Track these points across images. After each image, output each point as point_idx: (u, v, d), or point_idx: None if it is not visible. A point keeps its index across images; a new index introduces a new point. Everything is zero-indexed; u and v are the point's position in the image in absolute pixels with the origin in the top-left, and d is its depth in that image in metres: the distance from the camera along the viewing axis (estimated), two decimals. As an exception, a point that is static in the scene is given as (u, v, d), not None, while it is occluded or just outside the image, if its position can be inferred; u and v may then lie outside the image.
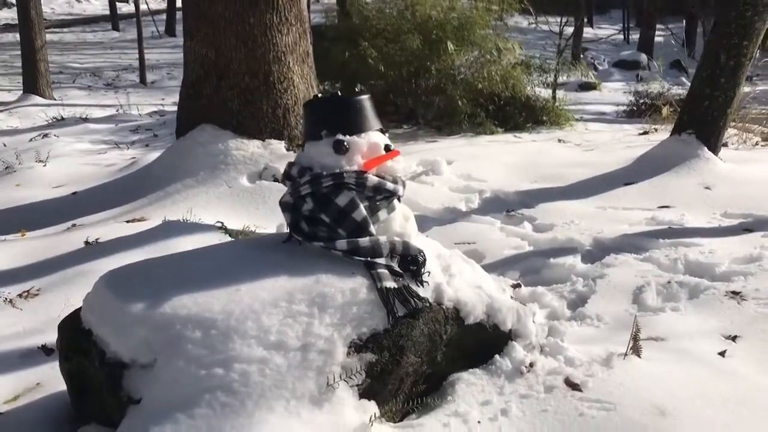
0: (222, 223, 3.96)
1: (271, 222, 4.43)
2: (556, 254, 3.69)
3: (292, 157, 4.90)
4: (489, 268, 3.51)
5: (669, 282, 3.20)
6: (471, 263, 2.45)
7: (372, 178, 2.03)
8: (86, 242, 3.83)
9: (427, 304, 2.08)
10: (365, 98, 2.12)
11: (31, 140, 7.35)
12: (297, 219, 2.04)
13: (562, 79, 8.72)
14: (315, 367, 1.86)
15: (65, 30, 22.97)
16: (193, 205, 4.60)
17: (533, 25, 14.82)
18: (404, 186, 2.17)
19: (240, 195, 4.70)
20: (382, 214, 2.08)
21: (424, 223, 4.43)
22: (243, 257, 2.03)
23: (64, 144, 7.05)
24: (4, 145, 7.35)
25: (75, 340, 1.94)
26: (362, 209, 2.01)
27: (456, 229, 4.25)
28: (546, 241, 3.92)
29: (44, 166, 6.29)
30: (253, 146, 4.93)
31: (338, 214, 1.99)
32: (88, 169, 6.21)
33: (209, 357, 1.77)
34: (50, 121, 9.44)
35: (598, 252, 3.75)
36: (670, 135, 5.52)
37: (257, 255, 2.04)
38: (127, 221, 4.52)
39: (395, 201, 2.12)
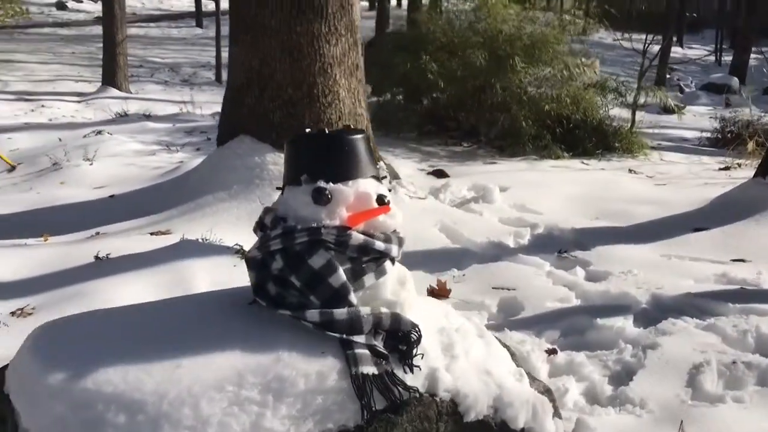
0: (241, 246, 3.67)
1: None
2: (606, 312, 3.23)
3: (331, 175, 4.60)
4: (526, 323, 3.11)
5: (734, 362, 2.70)
6: (486, 337, 2.05)
7: (356, 236, 1.66)
8: (96, 257, 3.61)
9: (416, 395, 1.70)
10: (358, 138, 1.75)
11: (84, 137, 7.30)
12: (264, 279, 1.70)
13: (642, 100, 8.12)
14: (261, 470, 1.51)
15: (152, 25, 23.49)
16: (220, 221, 4.34)
17: (618, 41, 14.13)
18: (401, 245, 1.80)
19: (271, 213, 4.41)
20: (369, 279, 1.71)
21: (464, 259, 4.05)
22: (196, 320, 1.70)
23: (116, 143, 6.96)
24: (60, 139, 7.34)
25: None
26: (341, 273, 1.65)
27: (498, 269, 3.83)
28: (597, 294, 3.46)
29: (90, 165, 6.20)
30: (291, 161, 4.63)
31: (311, 278, 1.63)
32: (132, 170, 6.08)
33: (132, 449, 1.45)
34: (114, 117, 9.47)
35: (655, 312, 3.26)
36: (754, 176, 4.93)
37: (213, 319, 1.71)
38: (152, 233, 4.30)
39: (387, 263, 1.75)
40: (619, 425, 2.30)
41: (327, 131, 1.75)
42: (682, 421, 2.23)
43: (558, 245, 4.28)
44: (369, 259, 1.71)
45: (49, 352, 1.59)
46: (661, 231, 4.50)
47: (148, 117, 9.42)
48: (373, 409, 1.62)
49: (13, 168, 6.49)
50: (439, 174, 6.13)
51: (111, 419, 1.46)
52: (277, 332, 1.65)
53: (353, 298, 1.67)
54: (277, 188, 1.79)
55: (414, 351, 1.72)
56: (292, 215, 1.70)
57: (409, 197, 4.80)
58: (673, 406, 2.44)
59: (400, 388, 1.66)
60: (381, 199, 1.73)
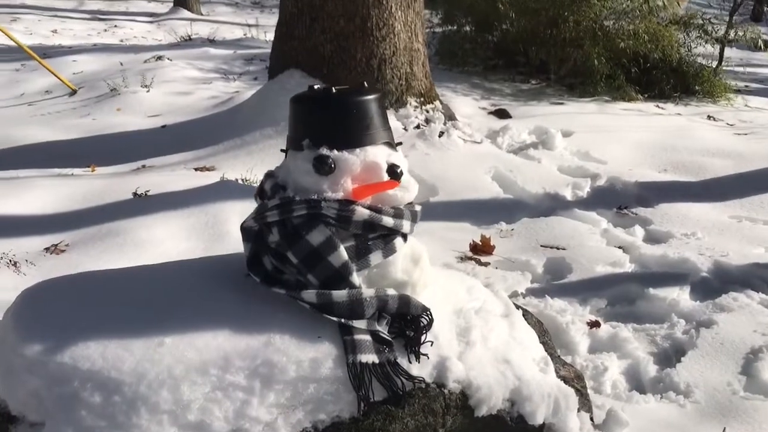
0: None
1: (343, 188, 3.97)
2: (661, 281, 2.98)
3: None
4: (571, 288, 2.91)
5: (800, 350, 2.45)
6: (512, 317, 1.86)
7: (361, 212, 1.49)
8: (135, 194, 3.55)
9: (422, 386, 1.55)
10: (370, 99, 1.55)
11: (145, 62, 7.25)
12: (259, 252, 1.55)
13: (732, 36, 7.44)
14: (244, 462, 1.40)
15: (225, -57, 23.13)
16: (264, 159, 4.22)
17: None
18: (414, 220, 1.62)
19: (317, 153, 4.26)
20: (375, 257, 1.54)
21: (515, 211, 3.83)
22: (188, 291, 1.58)
23: (175, 69, 6.88)
24: (121, 64, 7.32)
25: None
26: (341, 252, 1.48)
27: (549, 225, 3.60)
28: (653, 259, 3.21)
29: (147, 92, 6.16)
30: (341, 98, 4.44)
31: (309, 255, 1.48)
32: (187, 99, 6.01)
33: (107, 431, 1.36)
34: (179, 41, 9.41)
35: (716, 283, 3.00)
36: None
37: (206, 291, 1.58)
38: (196, 168, 4.23)
39: (397, 240, 1.57)
40: (656, 417, 2.11)
41: (334, 90, 1.55)
42: (725, 429, 2.02)
43: (619, 200, 4.00)
44: (376, 235, 1.54)
45: (31, 320, 1.50)
46: (734, 188, 4.15)
47: (212, 42, 9.32)
48: (371, 400, 1.48)
49: (74, 92, 6.52)
50: (501, 114, 5.82)
51: (86, 398, 1.37)
52: (272, 311, 1.51)
53: (355, 279, 1.50)
54: (281, 150, 1.62)
55: (422, 337, 1.55)
56: (292, 184, 1.54)
57: (464, 141, 4.56)
58: (721, 396, 2.22)
59: (402, 379, 1.51)
60: (393, 170, 1.54)
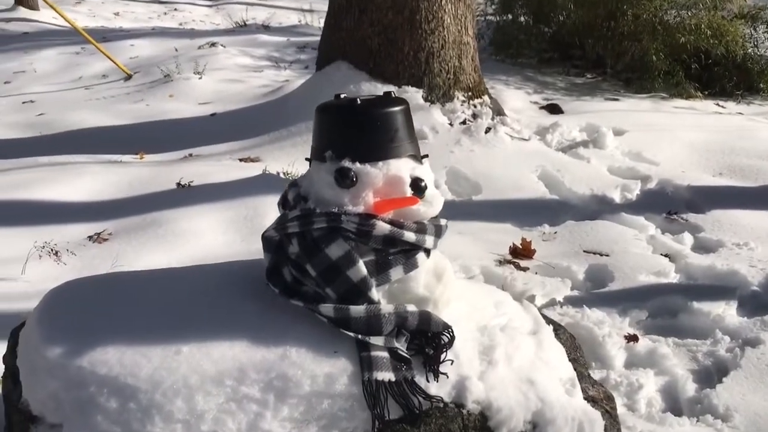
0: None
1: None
2: (707, 293, 2.87)
3: (428, 109, 4.34)
4: (611, 297, 2.83)
5: None
6: (540, 333, 1.81)
7: (382, 226, 1.46)
8: (178, 183, 3.60)
9: (439, 405, 1.51)
10: (395, 111, 1.51)
11: (199, 48, 7.34)
12: (279, 263, 1.54)
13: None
14: (255, 475, 1.39)
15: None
16: (309, 151, 4.21)
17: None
18: (438, 235, 1.58)
19: (361, 146, 4.23)
20: (396, 272, 1.51)
21: (559, 213, 3.74)
22: (210, 298, 1.57)
23: (227, 56, 6.95)
24: (176, 49, 7.42)
25: (10, 359, 1.62)
26: (360, 267, 1.46)
27: (594, 229, 3.50)
28: (700, 270, 3.09)
29: (199, 78, 6.24)
30: (387, 92, 4.39)
31: (327, 269, 1.45)
32: (237, 87, 6.06)
33: (121, 438, 1.37)
34: (234, 26, 9.49)
35: (766, 298, 2.87)
36: None
37: (228, 298, 1.57)
38: (241, 159, 4.26)
39: (419, 255, 1.54)
40: (692, 442, 2.03)
41: (359, 101, 1.52)
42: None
43: (669, 204, 3.86)
44: (397, 250, 1.51)
45: (54, 322, 1.52)
46: (794, 197, 3.97)
47: (266, 28, 9.38)
48: (386, 418, 1.45)
49: (129, 77, 6.65)
50: (553, 109, 5.70)
51: (102, 403, 1.38)
52: (290, 323, 1.49)
53: (374, 294, 1.48)
54: (306, 159, 1.60)
55: (442, 355, 1.52)
56: (313, 195, 1.52)
57: (511, 138, 4.47)
58: (764, 423, 2.13)
59: (420, 398, 1.48)
60: (417, 184, 1.50)
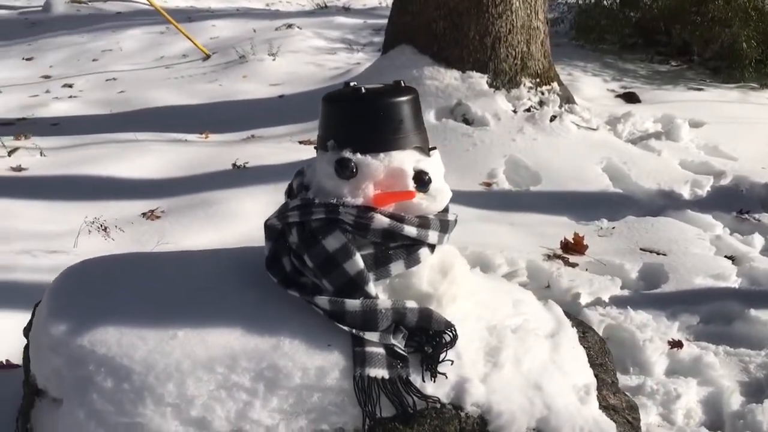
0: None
1: (441, 171, 3.88)
2: (767, 301, 2.69)
3: (492, 95, 4.24)
4: (662, 299, 2.70)
5: None
6: (558, 336, 1.72)
7: (380, 219, 1.41)
8: (233, 164, 3.65)
9: (436, 406, 1.47)
10: (400, 101, 1.46)
11: (276, 29, 7.42)
12: (280, 252, 1.52)
13: None
14: (242, 463, 1.39)
15: None
16: (367, 136, 4.19)
17: None
18: (444, 230, 1.52)
19: (421, 132, 4.17)
20: (396, 267, 1.46)
21: (621, 207, 3.60)
22: (213, 283, 1.57)
23: (301, 38, 7.00)
24: (254, 30, 7.53)
25: (28, 332, 1.68)
26: (357, 260, 1.42)
27: (656, 225, 3.34)
28: (765, 275, 2.89)
29: (273, 60, 6.31)
30: (450, 77, 4.32)
31: (324, 261, 1.43)
32: (309, 69, 6.10)
33: (114, 417, 1.39)
34: (314, 8, 9.55)
35: (836, 311, 2.66)
36: None
37: (229, 285, 1.57)
38: (300, 142, 4.28)
39: (422, 251, 1.48)
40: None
41: (364, 90, 1.47)
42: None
43: (742, 203, 3.64)
44: (398, 245, 1.46)
45: (62, 300, 1.56)
46: None
47: (347, 10, 9.38)
48: (378, 416, 1.42)
49: (207, 57, 6.79)
50: (629, 98, 5.46)
51: (99, 382, 1.41)
52: (286, 314, 1.48)
53: (371, 288, 1.44)
54: (314, 148, 1.57)
55: (442, 355, 1.47)
56: (314, 185, 1.49)
57: (577, 126, 4.30)
58: (809, 445, 1.97)
59: (414, 397, 1.44)
60: (420, 177, 1.45)
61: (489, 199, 3.66)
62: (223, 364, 1.42)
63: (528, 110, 4.30)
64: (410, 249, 1.47)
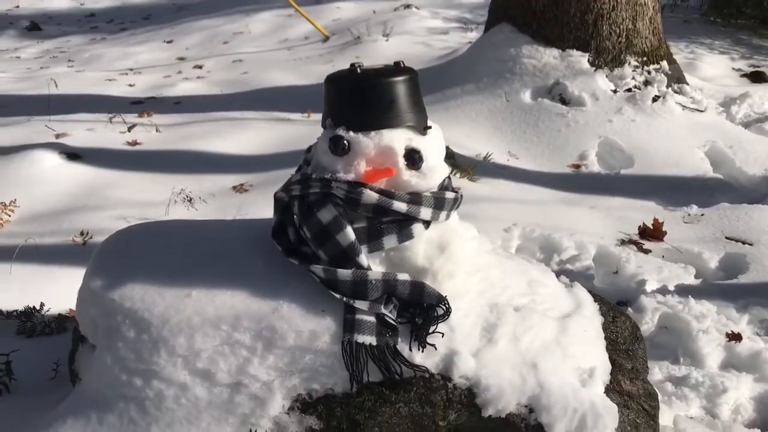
0: (451, 150, 3.55)
1: (529, 151, 3.86)
2: None
3: (591, 74, 4.13)
4: (735, 290, 2.58)
5: None
6: (570, 319, 1.71)
7: (369, 195, 1.47)
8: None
9: (424, 375, 1.52)
10: (394, 80, 1.50)
11: (395, 10, 7.52)
12: (285, 222, 1.62)
13: None
14: (239, 414, 1.52)
15: None
16: (459, 116, 4.23)
17: None
18: (440, 207, 1.55)
19: (513, 112, 4.16)
20: (389, 240, 1.52)
21: (716, 193, 3.46)
22: (230, 249, 1.70)
23: (417, 18, 7.06)
24: (374, 12, 7.67)
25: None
26: (348, 232, 1.49)
27: (748, 214, 3.16)
28: None
29: (386, 41, 6.43)
30: (549, 56, 4.24)
31: (319, 232, 1.51)
32: (420, 50, 6.16)
33: (134, 363, 1.57)
34: (440, -13, 9.54)
35: None
36: None
37: (243, 251, 1.69)
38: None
39: (416, 226, 1.53)
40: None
41: (359, 70, 1.53)
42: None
43: None
44: (390, 219, 1.52)
45: (105, 258, 1.76)
46: None
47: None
48: (365, 380, 1.50)
49: (326, 38, 7.03)
50: (756, 77, 5.11)
51: (124, 332, 1.58)
52: (288, 280, 1.58)
53: (363, 260, 1.51)
54: (322, 125, 1.65)
55: (431, 327, 1.52)
56: (314, 161, 1.58)
57: (682, 108, 4.09)
58: None
59: (401, 364, 1.50)
60: (411, 155, 1.49)
61: (575, 182, 3.59)
62: (228, 322, 1.55)
63: (629, 90, 4.14)
64: (402, 224, 1.52)
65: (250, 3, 9.39)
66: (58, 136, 4.05)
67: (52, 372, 1.99)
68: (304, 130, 4.24)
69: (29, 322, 2.28)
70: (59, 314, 2.36)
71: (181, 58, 7.04)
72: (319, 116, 4.52)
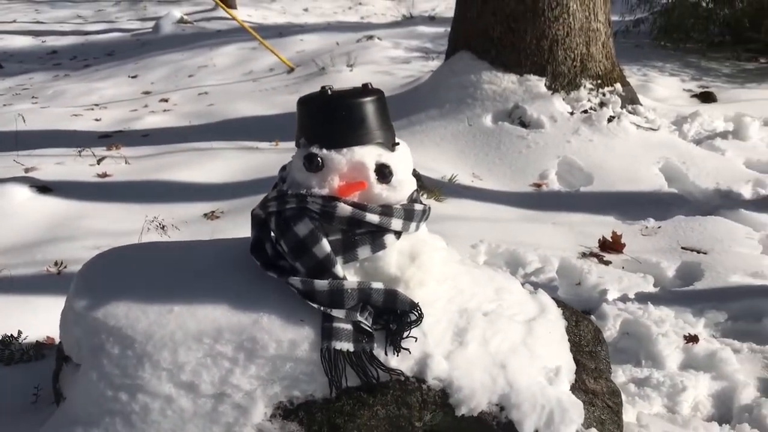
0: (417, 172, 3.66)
1: (492, 172, 3.99)
2: (804, 299, 2.63)
3: (548, 98, 4.30)
4: (692, 297, 2.70)
5: None
6: (535, 322, 1.81)
7: (343, 208, 1.57)
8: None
9: (400, 378, 1.60)
10: (361, 102, 1.60)
11: (357, 41, 7.69)
12: (263, 238, 1.70)
13: None
14: (224, 423, 1.58)
15: None
16: (424, 141, 4.35)
17: None
18: (410, 218, 1.64)
19: (476, 135, 4.30)
20: (363, 251, 1.61)
21: (672, 207, 3.59)
22: (210, 267, 1.77)
23: (379, 49, 7.23)
24: (338, 44, 7.83)
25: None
26: (324, 244, 1.58)
27: (702, 225, 3.30)
28: (811, 274, 2.82)
29: (351, 71, 6.56)
30: (507, 81, 4.40)
31: (296, 246, 1.59)
32: (383, 79, 6.29)
33: (119, 379, 1.62)
34: (400, 19, 9.79)
35: None
36: None
37: (223, 268, 1.76)
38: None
39: (388, 237, 1.62)
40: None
41: (330, 92, 1.63)
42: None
43: (805, 202, 3.52)
44: (363, 231, 1.61)
45: (87, 279, 1.81)
46: None
47: (432, 19, 9.57)
48: (344, 386, 1.57)
49: (291, 70, 7.14)
50: (706, 97, 5.34)
51: (108, 349, 1.64)
52: (267, 293, 1.66)
53: (338, 270, 1.59)
54: (295, 144, 1.74)
55: (405, 332, 1.60)
56: (289, 179, 1.67)
57: (637, 127, 4.27)
58: (810, 440, 1.95)
59: (378, 369, 1.58)
60: (381, 170, 1.59)
61: (537, 200, 3.72)
62: (210, 335, 1.61)
63: (585, 112, 4.31)
64: (375, 235, 1.61)
65: (213, 38, 9.50)
66: (27, 170, 4.07)
67: (32, 396, 2.02)
68: (272, 158, 4.32)
69: (7, 350, 2.30)
70: (37, 341, 2.39)
71: (147, 92, 7.09)
72: (287, 144, 4.61)
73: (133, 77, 7.87)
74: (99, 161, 4.24)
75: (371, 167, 1.59)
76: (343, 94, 1.63)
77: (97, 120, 5.82)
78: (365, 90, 1.65)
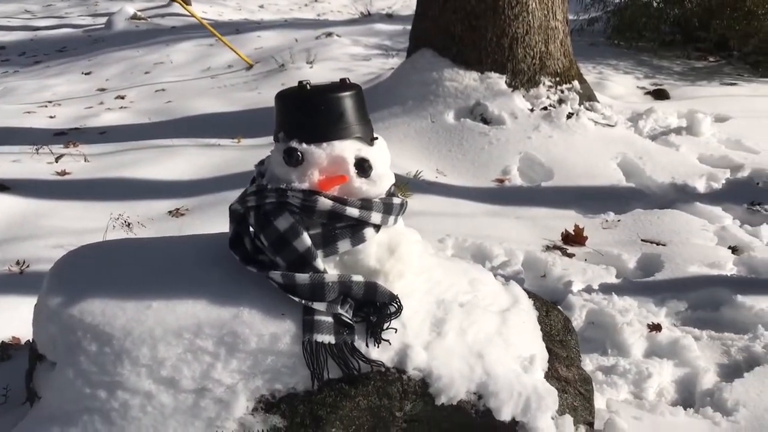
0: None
1: (456, 168, 4.04)
2: (755, 288, 2.74)
3: (509, 95, 4.36)
4: (652, 287, 2.78)
5: None
6: (509, 313, 1.85)
7: (324, 202, 1.58)
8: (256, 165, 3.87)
9: (381, 369, 1.63)
10: (342, 96, 1.63)
11: (316, 38, 7.67)
12: (242, 233, 1.70)
13: None
14: (205, 418, 1.58)
15: None
16: (388, 136, 4.33)
17: None
18: (389, 212, 1.67)
19: (439, 132, 4.34)
20: (343, 244, 1.63)
21: (630, 201, 3.68)
22: (188, 262, 1.77)
23: (338, 46, 7.23)
24: (296, 40, 7.80)
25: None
26: (305, 238, 1.59)
27: (661, 218, 3.40)
28: (764, 265, 2.93)
29: (311, 68, 6.55)
30: (469, 78, 4.45)
31: (276, 240, 1.60)
32: (344, 75, 6.27)
33: (97, 376, 1.60)
34: (358, 16, 9.80)
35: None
36: None
37: (202, 263, 1.76)
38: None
39: (367, 230, 1.64)
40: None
41: (308, 87, 1.65)
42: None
43: (755, 195, 3.65)
44: (344, 225, 1.62)
45: (60, 277, 1.79)
46: None
47: (390, 17, 9.60)
48: (326, 378, 1.59)
49: (250, 66, 7.09)
50: (658, 95, 5.48)
51: (85, 347, 1.62)
52: (247, 288, 1.66)
53: (319, 264, 1.61)
54: (274, 139, 1.75)
55: (385, 324, 1.63)
56: (268, 173, 1.67)
57: (594, 123, 4.37)
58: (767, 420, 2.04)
59: (359, 360, 1.60)
60: (360, 164, 1.61)
61: (499, 195, 3.78)
62: (190, 330, 1.61)
63: (545, 109, 4.39)
64: (355, 228, 1.63)
65: (169, 34, 9.37)
66: (-19, 168, 3.97)
67: (1, 397, 1.99)
68: (235, 154, 4.30)
69: (-28, 352, 2.25)
70: (2, 342, 2.34)
71: (102, 89, 6.95)
72: (249, 141, 4.58)
73: (86, 74, 7.71)
74: (57, 159, 4.16)
75: (351, 161, 1.61)
76: (322, 88, 1.65)
77: (51, 117, 5.69)
78: (344, 85, 1.67)
